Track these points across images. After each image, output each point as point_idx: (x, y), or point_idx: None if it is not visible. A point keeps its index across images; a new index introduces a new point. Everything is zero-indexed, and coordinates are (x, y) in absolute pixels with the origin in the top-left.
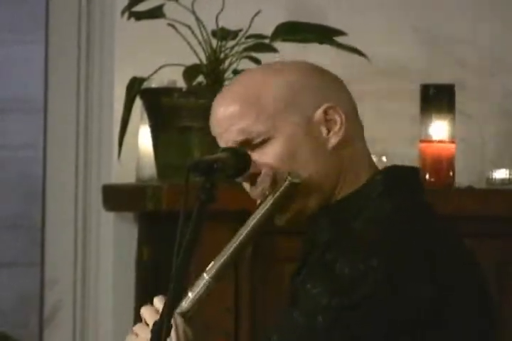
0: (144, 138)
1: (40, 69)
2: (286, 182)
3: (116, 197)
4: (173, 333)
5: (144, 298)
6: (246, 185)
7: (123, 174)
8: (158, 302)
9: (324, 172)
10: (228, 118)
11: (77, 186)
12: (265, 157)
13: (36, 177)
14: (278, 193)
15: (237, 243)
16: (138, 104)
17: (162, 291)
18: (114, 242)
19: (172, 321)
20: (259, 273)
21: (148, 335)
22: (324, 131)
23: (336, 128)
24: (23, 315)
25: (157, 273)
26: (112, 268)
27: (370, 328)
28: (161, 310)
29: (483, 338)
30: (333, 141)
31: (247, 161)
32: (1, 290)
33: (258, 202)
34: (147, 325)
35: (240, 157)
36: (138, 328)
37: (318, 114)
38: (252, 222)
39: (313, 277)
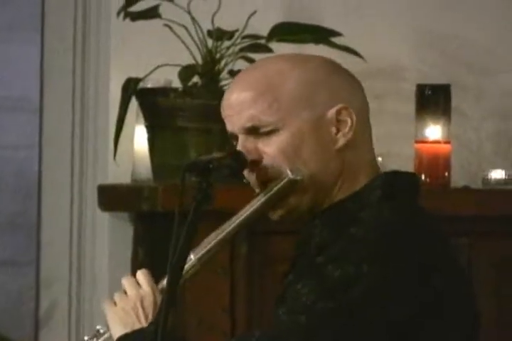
0: (139, 138)
1: (36, 69)
2: (286, 179)
3: (111, 198)
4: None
5: None
6: (245, 172)
7: (118, 174)
8: (141, 274)
9: (325, 172)
10: (241, 103)
11: (73, 186)
12: (269, 147)
13: (32, 176)
14: (275, 189)
15: (228, 230)
16: (133, 104)
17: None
18: (110, 242)
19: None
20: (255, 273)
21: (126, 306)
22: (333, 130)
23: (346, 129)
24: (19, 314)
25: (152, 274)
26: (108, 268)
27: (352, 333)
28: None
29: (471, 338)
30: (341, 142)
31: (243, 161)
32: None
33: (257, 191)
34: (126, 294)
35: (236, 157)
36: (117, 297)
37: (331, 113)
38: (245, 212)
39: (303, 277)
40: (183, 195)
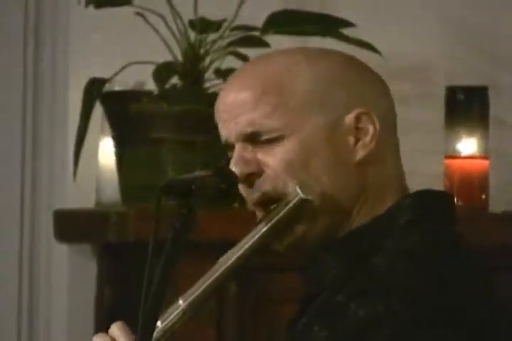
0: (105, 153)
1: None
2: (297, 198)
3: (71, 226)
4: None
5: None
6: (242, 187)
7: (79, 197)
8: (116, 329)
9: (341, 191)
10: (239, 105)
11: (23, 212)
12: (272, 158)
13: None
14: (284, 211)
15: (227, 266)
16: (98, 111)
17: None
18: (69, 281)
19: None
20: (246, 317)
21: None
22: (352, 140)
23: (367, 139)
24: None
25: (120, 319)
26: (66, 312)
27: None
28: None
29: None
30: (361, 153)
31: (233, 181)
32: None
33: (258, 217)
34: None
35: (223, 175)
36: None
37: (349, 119)
38: (248, 242)
39: (321, 319)
40: (159, 222)
